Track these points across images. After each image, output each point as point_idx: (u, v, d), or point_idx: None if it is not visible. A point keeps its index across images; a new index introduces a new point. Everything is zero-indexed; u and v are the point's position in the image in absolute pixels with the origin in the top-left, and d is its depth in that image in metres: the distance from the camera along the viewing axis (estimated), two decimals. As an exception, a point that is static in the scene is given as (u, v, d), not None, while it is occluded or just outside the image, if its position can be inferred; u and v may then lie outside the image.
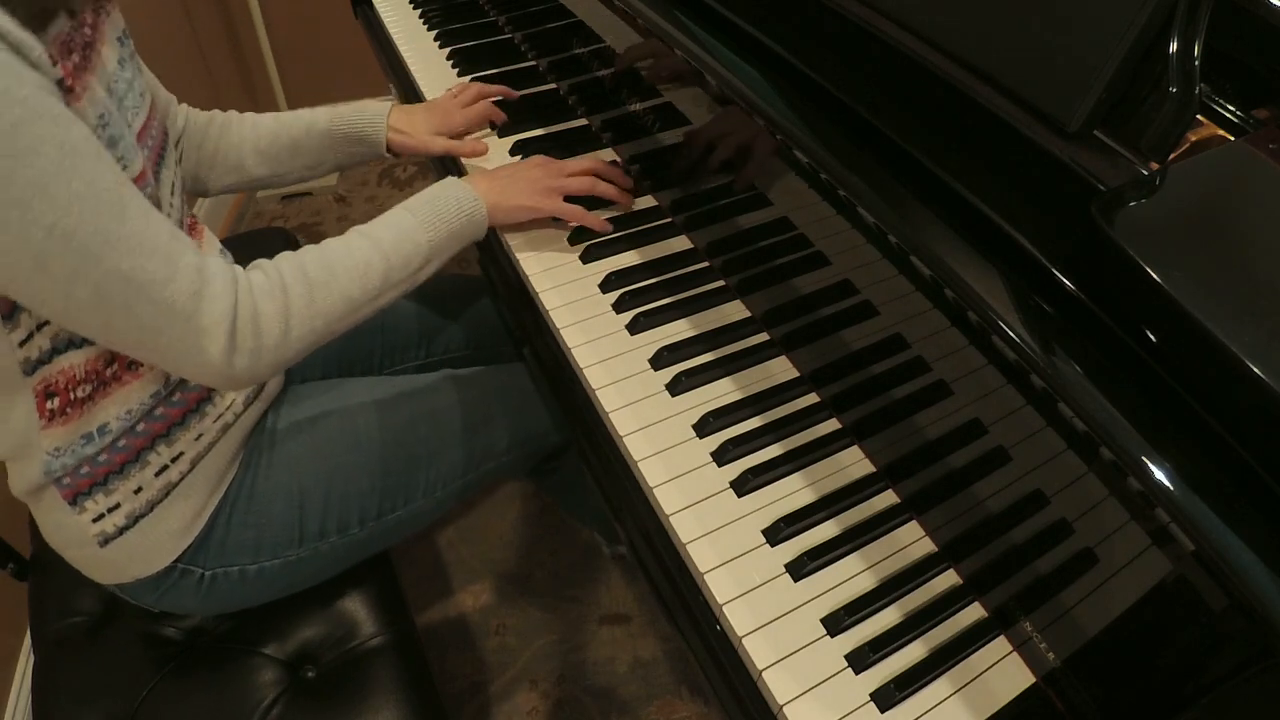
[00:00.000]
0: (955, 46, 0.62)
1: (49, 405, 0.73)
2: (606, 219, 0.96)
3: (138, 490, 0.79)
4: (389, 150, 1.06)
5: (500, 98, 1.14)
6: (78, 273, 0.61)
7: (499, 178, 0.93)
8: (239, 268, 0.73)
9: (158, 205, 0.74)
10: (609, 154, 1.08)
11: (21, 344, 0.69)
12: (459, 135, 1.09)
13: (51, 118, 0.58)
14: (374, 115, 1.04)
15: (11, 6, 0.59)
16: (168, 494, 0.81)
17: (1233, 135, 0.59)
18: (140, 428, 0.77)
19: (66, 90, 0.63)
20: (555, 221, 0.96)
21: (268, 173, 1.04)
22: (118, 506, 0.78)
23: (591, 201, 0.96)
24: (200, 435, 0.82)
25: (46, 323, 0.69)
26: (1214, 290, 0.47)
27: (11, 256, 0.59)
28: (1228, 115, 0.61)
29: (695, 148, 0.92)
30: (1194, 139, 0.59)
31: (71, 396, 0.73)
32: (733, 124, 0.85)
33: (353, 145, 1.05)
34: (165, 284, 0.65)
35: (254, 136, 1.02)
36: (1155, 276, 0.48)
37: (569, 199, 0.95)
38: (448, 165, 1.14)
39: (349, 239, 0.80)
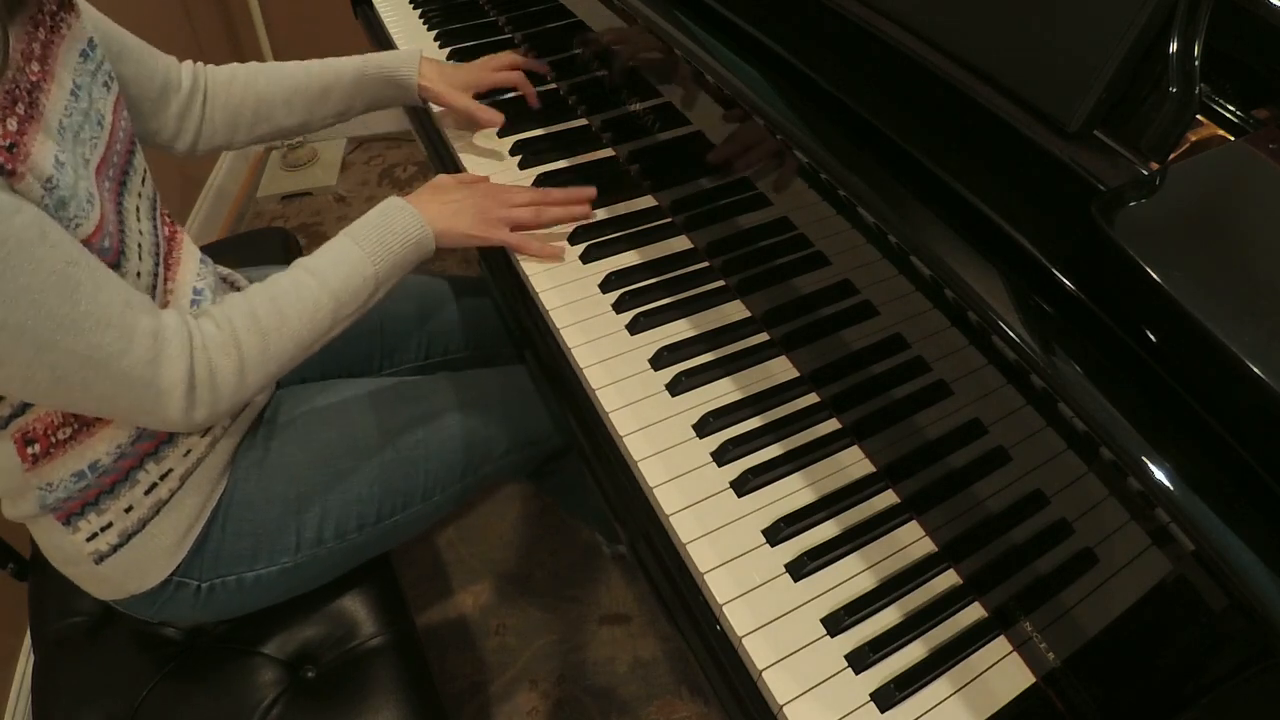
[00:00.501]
0: (955, 46, 0.62)
1: (30, 450, 0.73)
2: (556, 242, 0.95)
3: (129, 509, 0.79)
4: (420, 97, 1.08)
5: (535, 70, 1.15)
6: (34, 361, 0.61)
7: (447, 202, 0.90)
8: (192, 321, 0.72)
9: (122, 244, 0.72)
10: (608, 154, 1.08)
11: None
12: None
13: None
14: (407, 59, 1.07)
15: None
16: (158, 511, 0.81)
17: (1233, 135, 0.59)
18: (130, 450, 0.77)
19: (8, 174, 0.60)
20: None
21: (298, 121, 1.05)
22: (110, 525, 0.78)
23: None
24: (189, 451, 0.82)
25: None
26: (1214, 290, 0.47)
27: None
28: (1228, 115, 0.61)
29: (695, 148, 0.92)
30: (1194, 139, 0.59)
31: (52, 440, 0.74)
32: (733, 124, 0.85)
33: (384, 89, 1.07)
34: (121, 356, 0.65)
35: (281, 88, 1.03)
36: (1155, 276, 0.48)
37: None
38: (444, 164, 1.14)
39: (296, 276, 0.79)
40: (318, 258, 0.81)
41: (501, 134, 1.12)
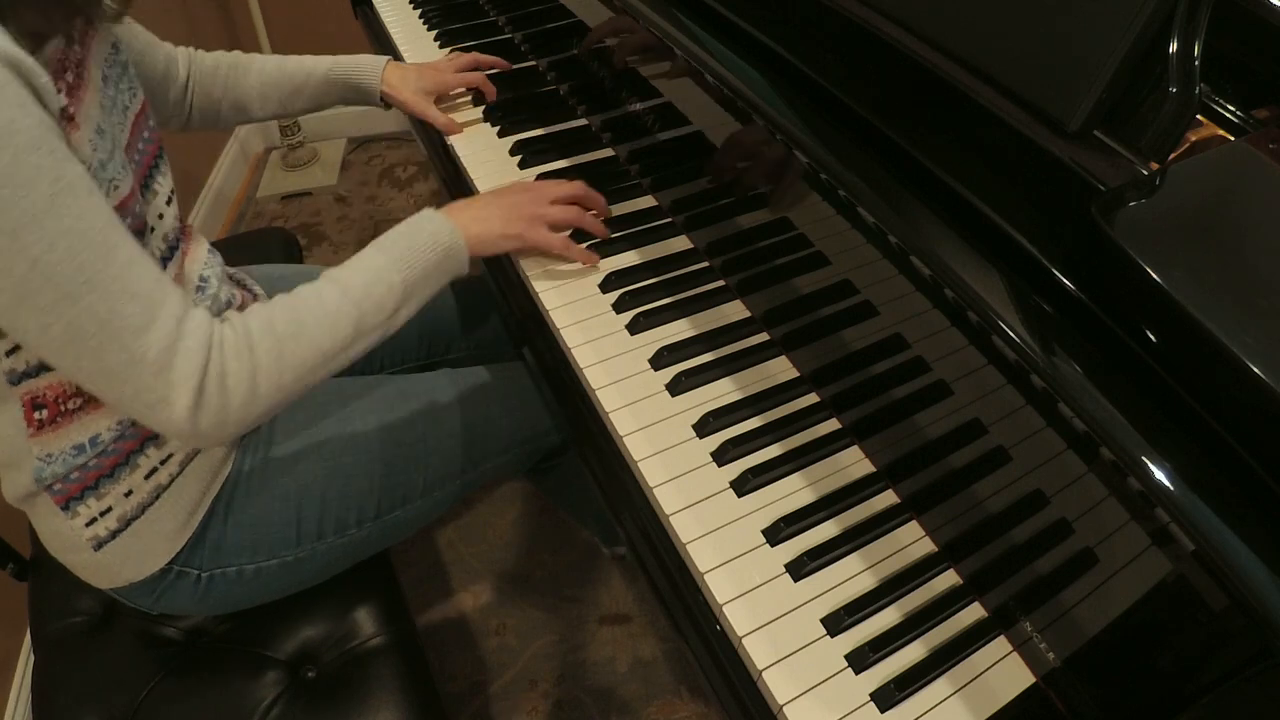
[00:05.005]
0: (955, 46, 0.62)
1: (37, 415, 0.73)
2: (588, 248, 0.93)
3: (128, 493, 0.79)
4: (382, 101, 1.13)
5: (495, 70, 1.18)
6: (55, 308, 0.60)
7: (477, 205, 0.89)
8: (216, 321, 0.71)
9: (145, 225, 0.74)
10: (608, 154, 1.08)
11: (8, 354, 0.70)
12: (449, 97, 1.17)
13: (50, 151, 0.58)
14: (371, 67, 1.12)
15: (12, 26, 0.59)
16: (158, 496, 0.81)
17: (1233, 135, 0.59)
18: (130, 431, 0.77)
19: (68, 119, 0.63)
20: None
21: (270, 114, 1.12)
22: (109, 510, 0.78)
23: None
24: None
25: None
26: (1214, 290, 0.48)
27: None
28: (1228, 115, 0.61)
29: (695, 148, 0.92)
30: (1194, 139, 0.59)
31: (61, 409, 0.73)
32: (733, 125, 0.84)
33: (348, 92, 1.12)
34: (140, 332, 0.64)
35: (259, 83, 1.09)
36: (1155, 276, 0.48)
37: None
38: (444, 164, 1.14)
39: (319, 286, 0.77)
40: (344, 268, 0.79)
41: (501, 134, 1.12)
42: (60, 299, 0.60)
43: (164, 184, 0.82)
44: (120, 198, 0.69)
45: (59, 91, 0.63)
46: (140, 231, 0.73)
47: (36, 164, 0.57)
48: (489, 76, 1.16)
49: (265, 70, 1.09)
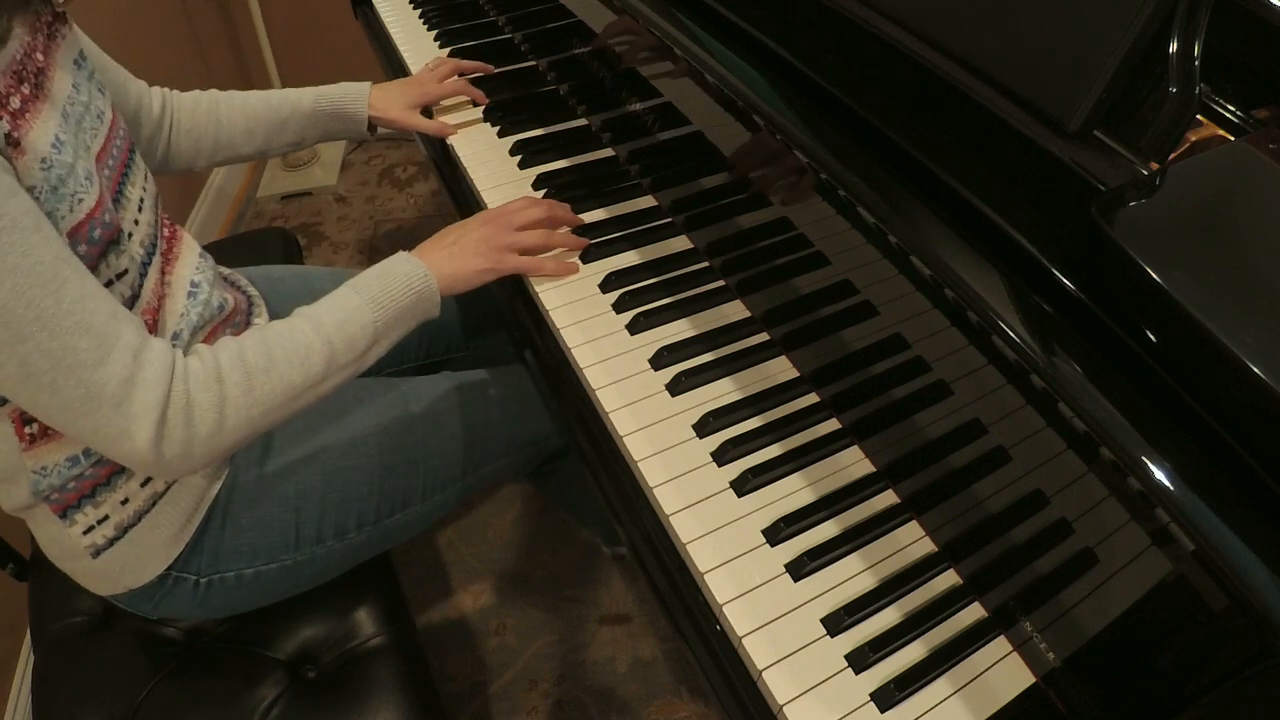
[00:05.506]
0: (955, 46, 0.62)
1: (28, 430, 0.73)
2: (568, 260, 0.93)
3: (124, 501, 0.79)
4: (370, 128, 1.12)
5: (478, 73, 1.17)
6: (6, 347, 0.60)
7: (446, 243, 0.88)
8: (178, 352, 0.70)
9: (120, 231, 0.74)
10: (608, 154, 1.08)
11: None
12: (436, 107, 1.15)
13: None
14: (356, 96, 1.09)
15: None
16: (155, 503, 0.80)
17: (1233, 135, 0.59)
18: None
19: (13, 145, 0.62)
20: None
21: (255, 150, 1.09)
22: (106, 518, 0.78)
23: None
24: None
25: None
26: (1214, 290, 0.48)
27: None
28: (1228, 115, 0.61)
29: (695, 148, 0.92)
30: (1194, 139, 0.59)
31: None
32: (733, 125, 0.84)
33: (335, 124, 1.10)
34: (95, 367, 0.63)
35: (242, 118, 1.06)
36: (1155, 276, 0.48)
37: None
38: (445, 165, 1.14)
39: (293, 322, 0.77)
40: (317, 306, 0.79)
41: (501, 134, 1.12)
42: (10, 339, 0.60)
43: (136, 189, 0.81)
44: (85, 211, 0.68)
45: (1, 117, 0.62)
46: (115, 239, 0.72)
47: None
48: (477, 80, 1.17)
49: (249, 104, 1.06)
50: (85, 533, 0.78)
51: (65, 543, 0.79)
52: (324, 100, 1.08)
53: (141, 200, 0.81)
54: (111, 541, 0.79)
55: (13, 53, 0.67)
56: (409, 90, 1.12)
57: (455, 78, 1.15)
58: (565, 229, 0.95)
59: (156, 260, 0.81)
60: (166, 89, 1.04)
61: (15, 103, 0.64)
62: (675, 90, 0.92)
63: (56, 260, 0.62)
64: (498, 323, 1.20)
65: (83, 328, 0.63)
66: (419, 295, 0.83)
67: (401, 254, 0.86)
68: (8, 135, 0.62)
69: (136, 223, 0.79)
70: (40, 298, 0.60)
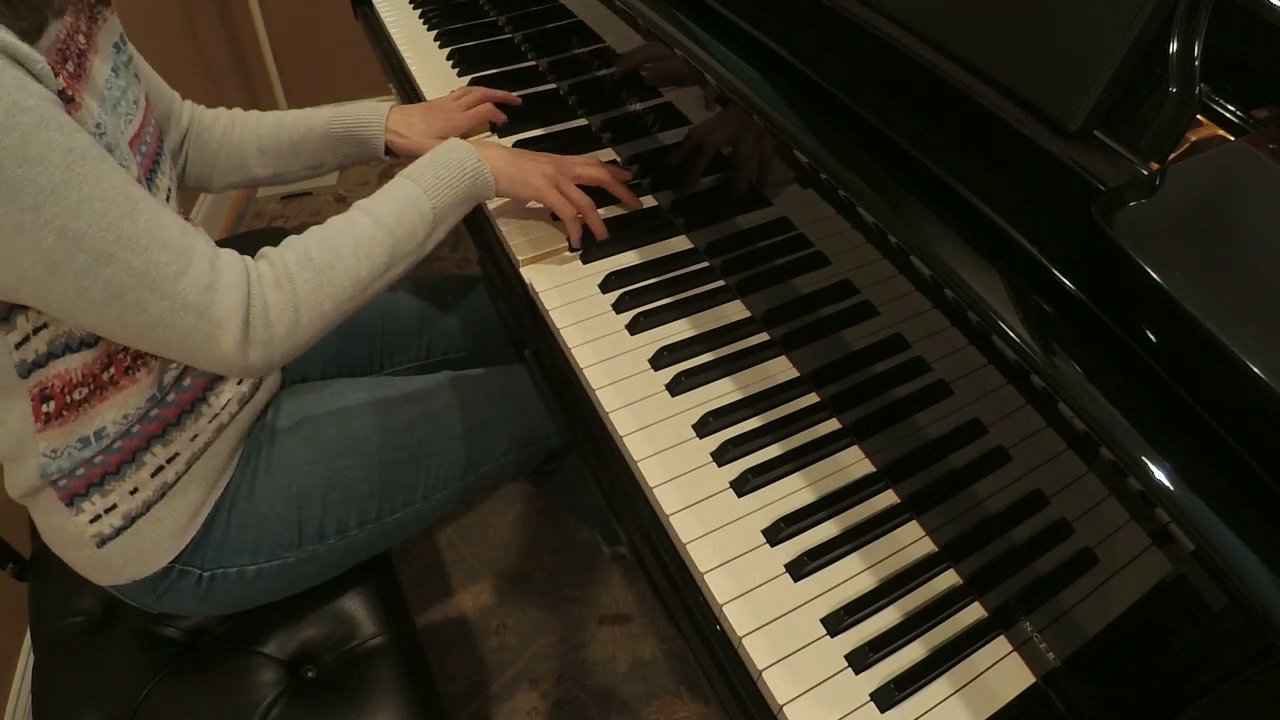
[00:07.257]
0: (955, 46, 0.62)
1: (44, 409, 0.73)
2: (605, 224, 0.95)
3: (134, 491, 0.79)
4: (387, 152, 1.06)
5: (505, 101, 1.13)
6: (90, 272, 0.62)
7: (507, 151, 0.93)
8: (249, 259, 0.73)
9: None
10: (609, 154, 1.08)
11: (18, 346, 0.69)
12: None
13: (57, 125, 0.60)
14: (373, 117, 1.04)
15: (8, 19, 0.61)
16: (164, 495, 0.81)
17: (1233, 135, 0.59)
18: (136, 429, 0.77)
19: (67, 100, 0.65)
20: (555, 220, 0.96)
21: (270, 173, 1.05)
22: (114, 508, 0.78)
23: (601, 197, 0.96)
24: (195, 436, 0.82)
25: (44, 326, 0.70)
26: (1214, 290, 0.47)
27: (25, 260, 0.60)
28: (1228, 115, 0.61)
29: (696, 147, 0.92)
30: (1194, 139, 0.59)
31: (67, 400, 0.73)
32: (733, 124, 0.84)
33: (350, 147, 1.05)
34: (177, 278, 0.66)
35: (257, 137, 1.03)
36: (1155, 276, 0.48)
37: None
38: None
39: (352, 216, 0.80)
40: (374, 198, 0.82)
41: (501, 134, 1.12)
42: (94, 261, 0.62)
43: (165, 179, 0.82)
44: None
45: (57, 76, 0.64)
46: None
47: (45, 140, 0.59)
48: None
49: (263, 123, 1.03)
50: (92, 521, 0.78)
51: (69, 531, 0.79)
52: (338, 123, 1.03)
53: (169, 191, 0.82)
54: (118, 531, 0.79)
55: (57, 31, 0.69)
56: (432, 117, 1.06)
57: (482, 106, 1.10)
58: (625, 189, 0.97)
59: None
60: (193, 104, 1.02)
61: (62, 80, 0.66)
62: (675, 90, 0.92)
63: (126, 183, 0.64)
64: (497, 323, 1.20)
65: (160, 243, 0.65)
66: (474, 179, 0.86)
67: (454, 139, 0.89)
68: (62, 91, 0.64)
69: None
70: (118, 219, 0.63)
